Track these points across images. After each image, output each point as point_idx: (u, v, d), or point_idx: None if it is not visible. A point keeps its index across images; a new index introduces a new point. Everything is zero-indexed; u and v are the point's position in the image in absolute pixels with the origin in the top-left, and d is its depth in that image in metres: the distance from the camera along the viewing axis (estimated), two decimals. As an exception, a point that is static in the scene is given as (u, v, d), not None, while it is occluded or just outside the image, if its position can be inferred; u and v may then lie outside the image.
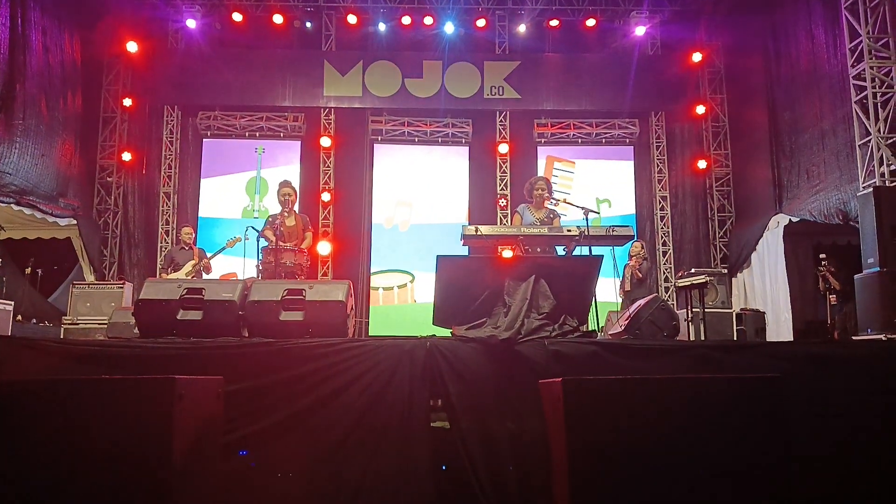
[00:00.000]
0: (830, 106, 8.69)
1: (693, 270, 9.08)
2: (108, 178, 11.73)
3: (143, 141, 11.91)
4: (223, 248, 8.26)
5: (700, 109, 12.08)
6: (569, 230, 5.69)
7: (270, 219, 7.35)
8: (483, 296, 4.29)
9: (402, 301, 11.70)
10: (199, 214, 11.76)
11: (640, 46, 11.98)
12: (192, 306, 4.33)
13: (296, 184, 11.30)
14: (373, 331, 11.37)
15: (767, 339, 8.71)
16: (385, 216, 11.94)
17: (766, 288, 10.34)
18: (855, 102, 7.88)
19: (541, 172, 11.83)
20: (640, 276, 8.80)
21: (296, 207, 7.61)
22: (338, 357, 3.81)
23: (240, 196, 11.92)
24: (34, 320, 9.48)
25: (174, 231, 11.46)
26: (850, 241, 8.54)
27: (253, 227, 7.12)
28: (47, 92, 9.60)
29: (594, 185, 12.05)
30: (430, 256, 4.46)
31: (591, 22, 11.83)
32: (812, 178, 9.12)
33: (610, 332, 5.76)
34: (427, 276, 4.12)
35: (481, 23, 11.87)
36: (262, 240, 6.95)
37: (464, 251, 6.00)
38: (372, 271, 11.73)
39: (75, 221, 10.47)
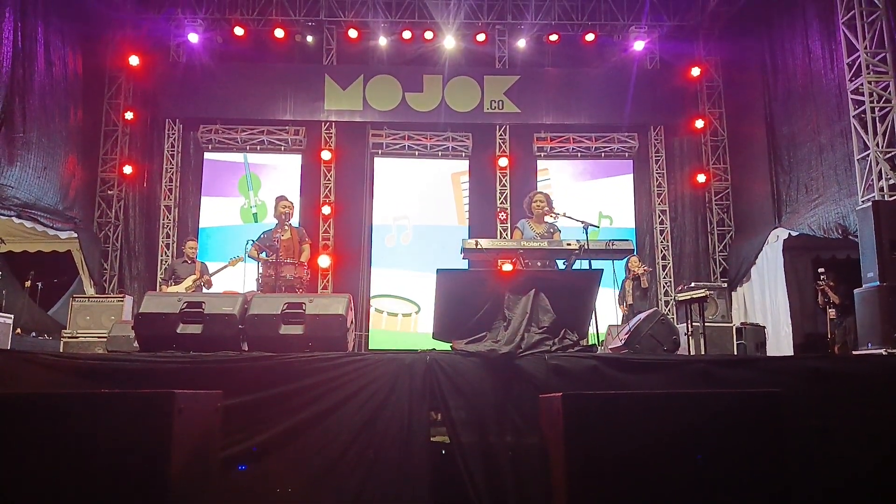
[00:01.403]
0: (827, 120, 8.72)
1: (693, 284, 9.07)
2: (109, 192, 11.75)
3: (144, 154, 11.94)
4: (225, 267, 8.27)
5: (699, 124, 12.13)
6: (568, 244, 5.69)
7: (264, 236, 7.35)
8: (483, 310, 4.29)
9: (405, 329, 11.69)
10: (199, 225, 11.75)
11: (638, 61, 12.04)
12: (192, 320, 4.32)
13: (296, 197, 11.47)
14: (372, 346, 11.37)
15: (767, 354, 8.69)
16: (386, 231, 11.95)
17: (765, 302, 10.33)
18: (853, 117, 7.91)
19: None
20: (646, 283, 8.93)
21: (294, 221, 7.62)
22: (337, 371, 3.81)
23: (236, 198, 11.97)
24: (34, 333, 9.46)
25: (174, 244, 11.47)
26: (850, 255, 8.54)
27: (252, 240, 7.15)
28: (49, 106, 9.63)
29: (594, 199, 12.06)
30: (432, 268, 4.47)
31: (590, 37, 11.89)
32: (811, 192, 9.14)
33: (610, 347, 5.76)
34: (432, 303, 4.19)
35: (481, 37, 11.94)
36: (262, 253, 6.99)
37: (464, 264, 6.00)
38: (379, 294, 11.71)
39: (76, 234, 10.47)
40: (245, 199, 11.94)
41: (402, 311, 11.72)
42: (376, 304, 11.67)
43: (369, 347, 11.30)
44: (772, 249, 10.21)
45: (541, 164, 12.27)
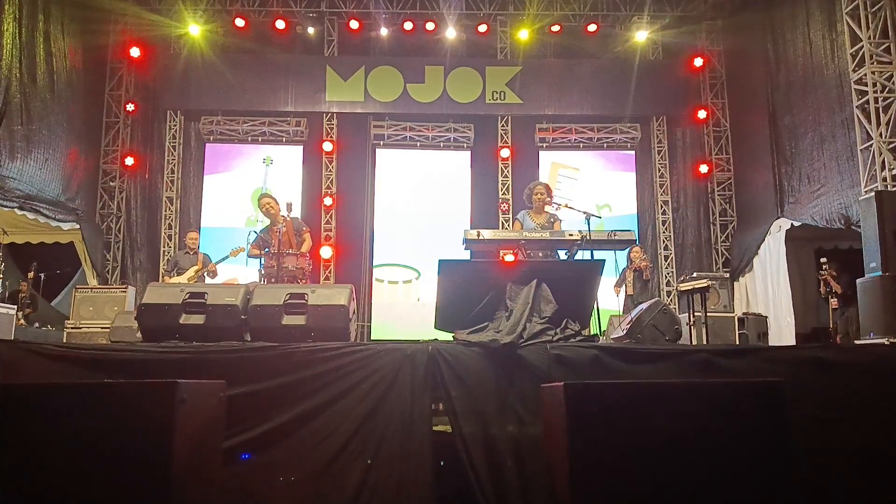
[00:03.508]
0: (828, 111, 8.69)
1: (695, 274, 9.09)
2: (111, 183, 11.76)
3: (145, 146, 11.96)
4: (226, 257, 8.25)
5: (701, 114, 12.11)
6: (570, 234, 5.69)
7: (261, 234, 7.28)
8: (485, 300, 4.29)
9: (406, 297, 11.76)
10: (204, 224, 11.65)
11: (641, 52, 12.00)
12: (194, 310, 4.32)
13: (298, 187, 11.55)
14: (375, 323, 11.46)
15: (769, 344, 8.70)
16: (387, 220, 11.95)
17: (768, 292, 10.33)
18: (857, 107, 7.88)
19: (543, 178, 11.85)
20: (648, 276, 8.95)
21: (288, 213, 7.39)
22: (340, 361, 3.81)
23: (244, 203, 11.90)
24: (37, 324, 9.49)
25: (177, 236, 11.50)
26: (852, 245, 8.53)
27: (255, 232, 7.14)
28: (50, 98, 9.63)
29: (596, 189, 12.05)
30: (433, 258, 4.47)
31: (592, 27, 11.85)
32: (813, 182, 9.11)
33: (612, 337, 5.76)
34: (433, 274, 4.23)
35: (483, 28, 11.90)
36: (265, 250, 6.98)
37: (466, 255, 6.01)
38: (379, 263, 11.79)
39: (78, 226, 10.50)
40: (254, 211, 11.80)
41: (403, 279, 11.79)
42: (377, 274, 11.74)
43: (372, 332, 11.38)
44: (774, 240, 10.20)
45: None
